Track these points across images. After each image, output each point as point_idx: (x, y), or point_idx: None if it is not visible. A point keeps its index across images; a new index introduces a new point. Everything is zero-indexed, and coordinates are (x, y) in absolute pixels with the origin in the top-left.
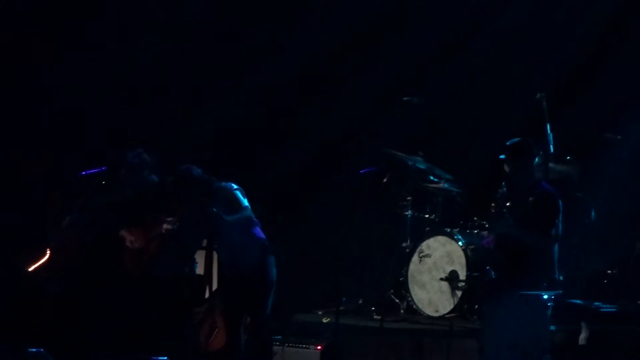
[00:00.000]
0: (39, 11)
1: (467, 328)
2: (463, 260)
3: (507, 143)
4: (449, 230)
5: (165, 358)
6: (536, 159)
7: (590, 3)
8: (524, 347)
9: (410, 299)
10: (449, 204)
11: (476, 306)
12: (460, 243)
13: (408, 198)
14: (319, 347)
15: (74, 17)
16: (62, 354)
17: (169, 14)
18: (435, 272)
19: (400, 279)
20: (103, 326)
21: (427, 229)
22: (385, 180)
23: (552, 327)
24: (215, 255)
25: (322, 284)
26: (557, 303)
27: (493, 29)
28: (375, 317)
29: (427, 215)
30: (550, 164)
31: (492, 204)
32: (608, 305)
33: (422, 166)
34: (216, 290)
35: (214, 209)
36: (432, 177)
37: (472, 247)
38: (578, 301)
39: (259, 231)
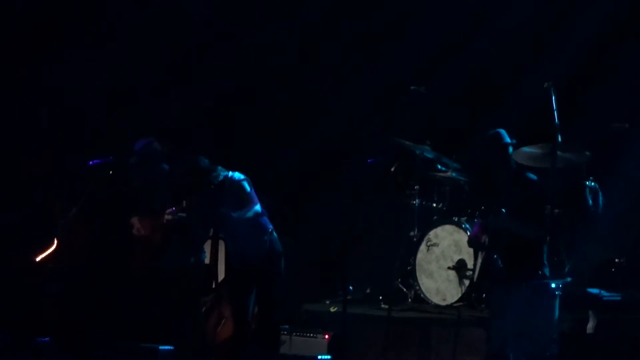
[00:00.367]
0: (37, 9)
1: (475, 317)
2: (471, 249)
3: (481, 138)
4: (456, 219)
5: (172, 348)
6: (510, 149)
7: None
8: (532, 337)
9: (417, 288)
10: (457, 193)
11: (484, 295)
12: (468, 232)
13: (415, 187)
14: (326, 337)
15: (73, 16)
16: (68, 345)
17: (167, 12)
18: (442, 261)
19: (408, 268)
20: (109, 317)
21: (434, 217)
22: (392, 169)
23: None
24: (222, 245)
25: (329, 273)
26: (565, 292)
27: (502, 17)
28: (382, 306)
29: (434, 204)
30: (558, 153)
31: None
32: (613, 294)
33: (429, 155)
34: (223, 280)
35: (222, 209)
36: (439, 166)
37: None
38: (586, 290)
39: (266, 221)
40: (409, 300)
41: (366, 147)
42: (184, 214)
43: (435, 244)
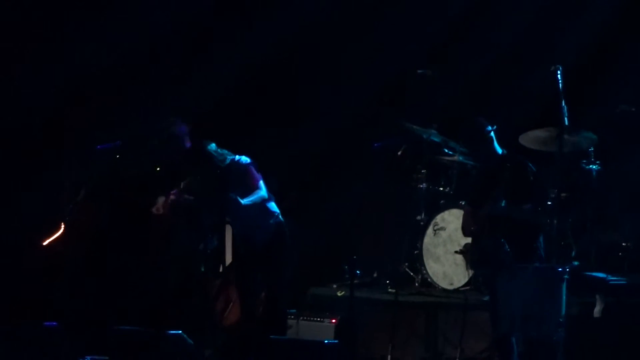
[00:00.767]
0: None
1: (482, 301)
2: None
3: (460, 128)
4: (463, 203)
5: (180, 332)
6: (491, 134)
7: None
8: (539, 320)
9: (424, 272)
10: (464, 177)
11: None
12: None
13: (423, 171)
14: (333, 321)
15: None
16: (76, 329)
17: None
18: (449, 245)
19: (415, 252)
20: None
21: (441, 202)
22: (399, 153)
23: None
24: (229, 230)
25: (336, 257)
26: (573, 276)
27: (510, 1)
28: (390, 290)
29: (441, 188)
30: (565, 137)
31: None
32: (619, 278)
33: (436, 139)
34: (230, 264)
35: (232, 194)
36: (446, 150)
37: None
38: (593, 274)
39: (273, 205)
40: (416, 284)
41: (373, 131)
42: (191, 197)
43: (442, 228)
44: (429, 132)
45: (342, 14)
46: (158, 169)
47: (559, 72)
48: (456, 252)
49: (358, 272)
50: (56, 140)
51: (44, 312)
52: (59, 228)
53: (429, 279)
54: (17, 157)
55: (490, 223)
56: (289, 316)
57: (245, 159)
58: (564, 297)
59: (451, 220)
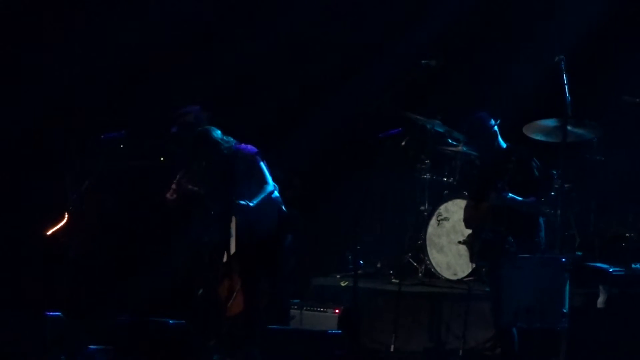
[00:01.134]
0: None
1: (486, 291)
2: None
3: (465, 123)
4: (467, 193)
5: (183, 322)
6: (495, 128)
7: None
8: (542, 311)
9: (428, 262)
10: (468, 167)
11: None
12: None
13: (426, 161)
14: (337, 311)
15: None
16: (80, 319)
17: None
18: (453, 235)
19: (419, 243)
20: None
21: (445, 192)
22: (403, 143)
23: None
24: (233, 220)
25: (340, 247)
26: (576, 266)
27: None
28: (393, 280)
29: (445, 179)
30: (569, 127)
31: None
32: (620, 269)
33: (440, 129)
34: (234, 254)
35: (240, 201)
36: (450, 141)
37: None
38: (596, 264)
39: (277, 196)
40: (420, 274)
41: (377, 122)
42: (195, 188)
43: (445, 219)
44: (432, 123)
45: (347, 7)
46: (162, 159)
47: (562, 62)
48: (460, 242)
49: (361, 262)
50: (61, 129)
51: (47, 301)
52: (63, 218)
53: (432, 270)
54: (21, 146)
55: (493, 214)
56: (292, 306)
57: (251, 148)
58: (568, 287)
59: (455, 210)
